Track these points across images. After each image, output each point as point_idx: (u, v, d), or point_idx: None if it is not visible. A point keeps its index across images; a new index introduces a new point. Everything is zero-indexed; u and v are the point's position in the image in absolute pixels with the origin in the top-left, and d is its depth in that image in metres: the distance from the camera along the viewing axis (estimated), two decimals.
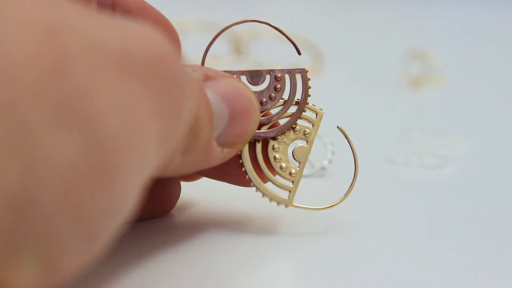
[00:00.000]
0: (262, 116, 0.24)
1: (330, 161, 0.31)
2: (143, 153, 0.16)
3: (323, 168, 0.31)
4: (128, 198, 0.16)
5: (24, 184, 0.13)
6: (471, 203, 0.28)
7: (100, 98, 0.14)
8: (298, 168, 0.24)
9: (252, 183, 0.24)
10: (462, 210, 0.27)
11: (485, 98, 0.50)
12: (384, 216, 0.26)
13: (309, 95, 0.24)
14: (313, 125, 0.24)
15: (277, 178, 0.24)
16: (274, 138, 0.24)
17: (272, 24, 0.24)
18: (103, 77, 0.15)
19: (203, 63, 0.24)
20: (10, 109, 0.13)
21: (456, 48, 0.70)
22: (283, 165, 0.24)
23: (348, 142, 0.24)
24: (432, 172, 0.32)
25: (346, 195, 0.24)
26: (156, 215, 0.25)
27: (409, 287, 0.21)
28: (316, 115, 0.24)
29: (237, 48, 0.51)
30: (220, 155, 0.22)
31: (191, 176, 0.26)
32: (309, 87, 0.24)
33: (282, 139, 0.24)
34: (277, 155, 0.24)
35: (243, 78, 0.24)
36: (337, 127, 0.24)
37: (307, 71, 0.24)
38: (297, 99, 0.24)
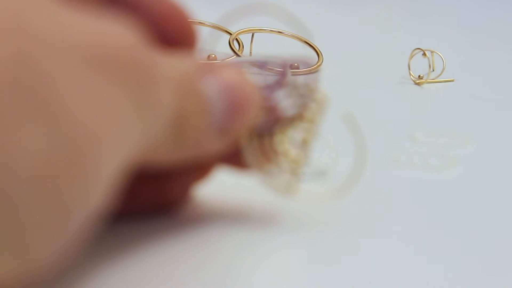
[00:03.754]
0: (267, 107, 0.24)
1: (328, 162, 0.30)
2: (111, 144, 0.16)
3: (321, 169, 0.30)
4: (99, 187, 0.16)
5: None
6: (476, 205, 0.27)
7: (65, 92, 0.15)
8: (302, 152, 0.24)
9: (255, 168, 0.24)
10: (467, 213, 0.26)
11: (492, 96, 0.49)
12: (386, 217, 0.26)
13: (319, 93, 0.24)
14: (319, 109, 0.24)
15: (281, 162, 0.24)
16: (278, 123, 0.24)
17: None
18: (68, 73, 0.15)
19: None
20: None
21: (462, 45, 0.69)
22: (287, 149, 0.24)
23: None
24: (436, 172, 0.32)
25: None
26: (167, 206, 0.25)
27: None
28: (322, 99, 0.24)
29: (233, 49, 0.50)
30: (214, 144, 0.22)
31: (203, 173, 0.26)
32: (320, 87, 0.24)
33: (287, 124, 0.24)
34: (281, 140, 0.24)
35: (254, 68, 0.24)
36: None
37: (319, 71, 0.25)
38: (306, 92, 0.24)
